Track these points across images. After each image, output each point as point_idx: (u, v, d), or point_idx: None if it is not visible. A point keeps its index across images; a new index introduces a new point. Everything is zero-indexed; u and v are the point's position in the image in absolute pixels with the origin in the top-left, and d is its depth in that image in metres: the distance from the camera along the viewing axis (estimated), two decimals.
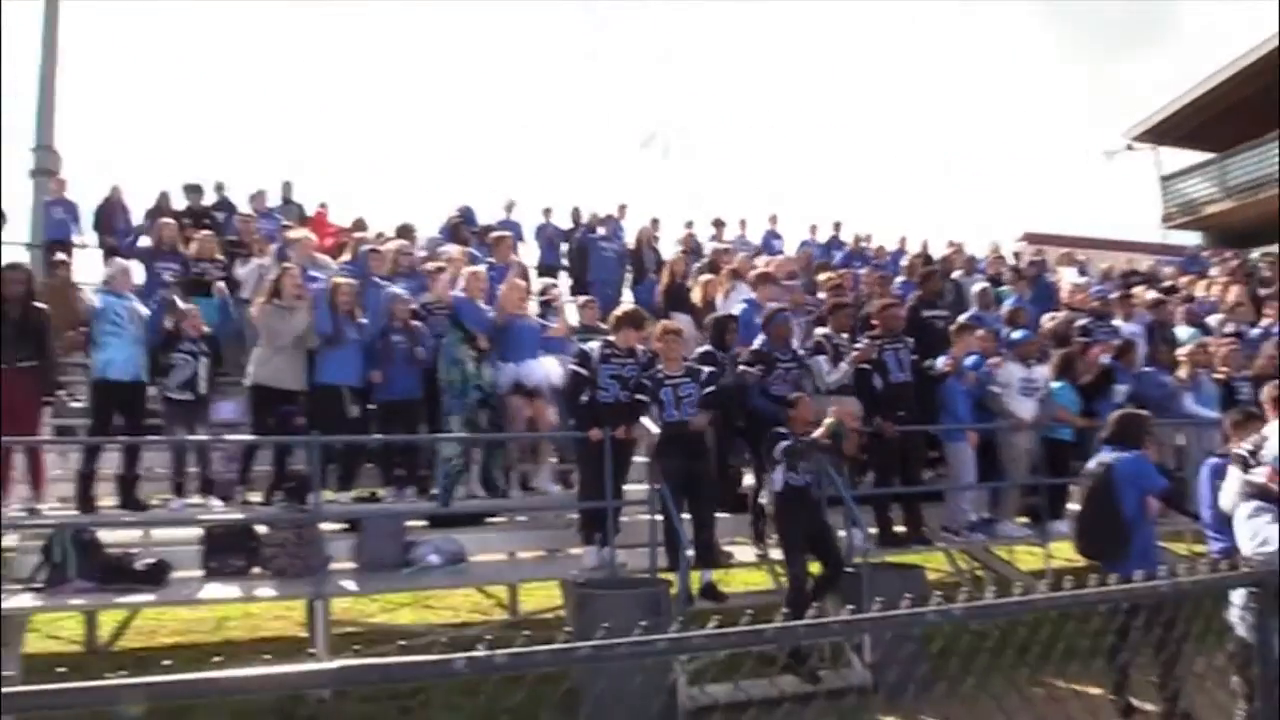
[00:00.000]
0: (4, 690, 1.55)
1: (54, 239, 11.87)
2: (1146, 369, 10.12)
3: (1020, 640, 3.14)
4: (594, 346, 7.58)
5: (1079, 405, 9.13)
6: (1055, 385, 9.09)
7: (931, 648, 3.09)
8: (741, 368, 8.00)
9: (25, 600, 6.45)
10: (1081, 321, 10.74)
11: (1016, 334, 9.52)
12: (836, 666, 6.79)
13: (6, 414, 7.38)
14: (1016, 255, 16.07)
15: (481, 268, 8.97)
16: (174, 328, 8.15)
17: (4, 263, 7.90)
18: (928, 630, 2.68)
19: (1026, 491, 9.00)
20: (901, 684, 3.45)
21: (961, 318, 9.71)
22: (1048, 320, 10.54)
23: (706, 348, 8.21)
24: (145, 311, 8.19)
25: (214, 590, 6.85)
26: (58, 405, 8.49)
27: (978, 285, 11.21)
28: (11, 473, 7.43)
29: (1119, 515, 6.08)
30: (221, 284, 9.67)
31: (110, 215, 12.33)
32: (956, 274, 12.35)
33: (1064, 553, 9.74)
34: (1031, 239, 19.86)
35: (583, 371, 7.45)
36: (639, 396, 7.36)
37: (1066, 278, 13.54)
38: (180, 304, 8.46)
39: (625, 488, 7.59)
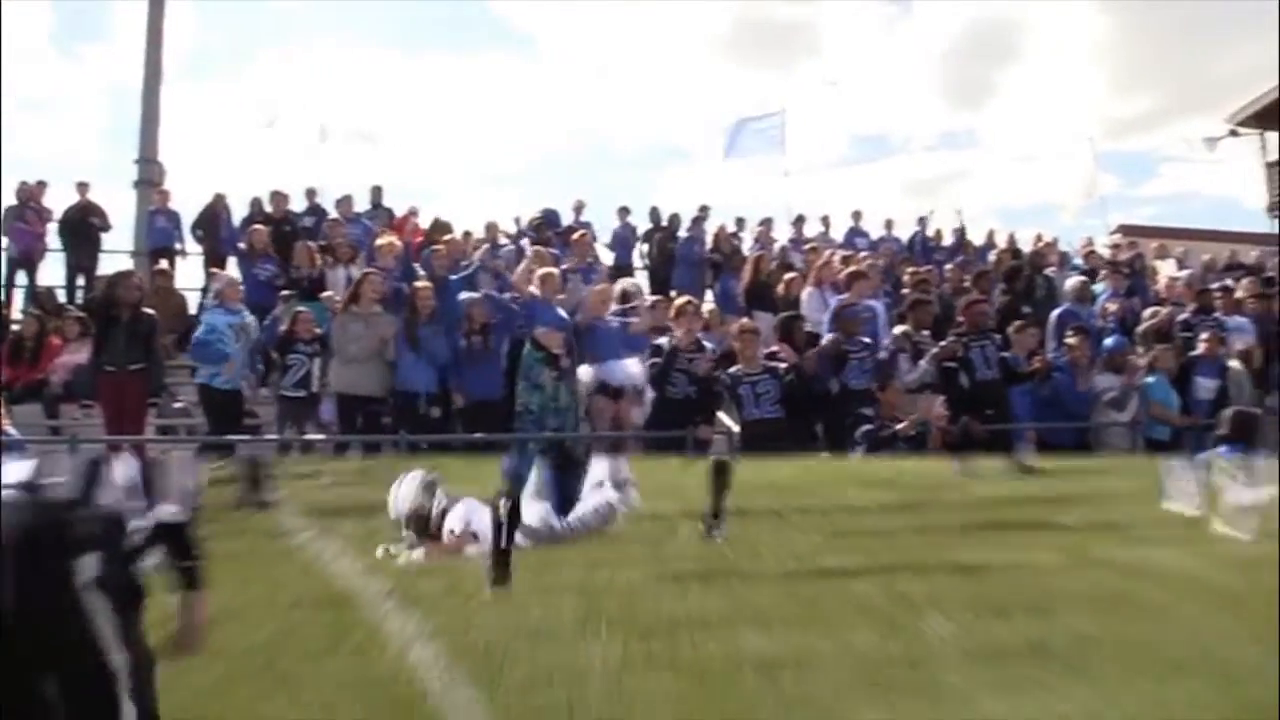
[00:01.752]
0: None
1: (158, 247, 12.38)
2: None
3: None
4: (664, 343, 7.58)
5: (1176, 402, 8.80)
6: (1150, 380, 8.78)
7: None
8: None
9: None
10: (1183, 316, 10.37)
11: (1109, 341, 9.26)
12: None
13: (116, 414, 7.79)
14: (1112, 248, 15.47)
15: (555, 270, 8.92)
16: (289, 331, 8.42)
17: (114, 270, 8.28)
18: None
19: None
20: None
21: (1054, 314, 9.43)
22: (1148, 316, 10.19)
23: (774, 347, 8.16)
24: (251, 322, 8.48)
25: None
26: (160, 406, 8.87)
27: (1072, 280, 10.89)
28: None
29: None
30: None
31: (212, 222, 12.76)
32: (1050, 270, 11.99)
33: None
34: (1126, 231, 19.10)
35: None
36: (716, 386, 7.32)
37: (1164, 270, 13.05)
38: (297, 308, 8.71)
39: None
